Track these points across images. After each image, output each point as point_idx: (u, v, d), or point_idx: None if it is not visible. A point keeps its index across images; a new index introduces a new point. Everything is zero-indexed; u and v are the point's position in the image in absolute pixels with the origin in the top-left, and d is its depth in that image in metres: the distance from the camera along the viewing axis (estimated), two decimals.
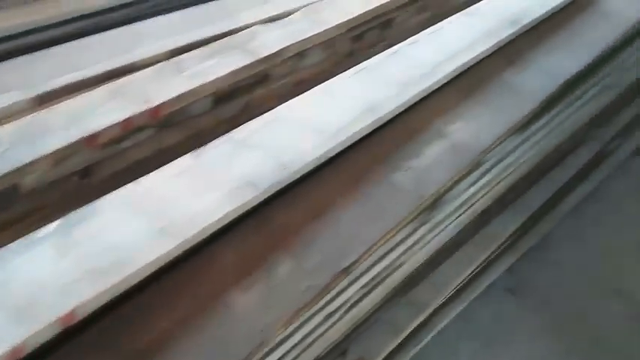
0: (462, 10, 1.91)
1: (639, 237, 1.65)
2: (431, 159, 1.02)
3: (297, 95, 1.45)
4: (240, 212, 0.81)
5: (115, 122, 1.06)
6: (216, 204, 0.81)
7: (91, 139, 1.03)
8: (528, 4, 1.53)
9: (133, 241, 0.73)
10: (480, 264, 1.26)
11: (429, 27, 1.77)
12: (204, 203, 0.81)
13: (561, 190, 1.53)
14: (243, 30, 1.43)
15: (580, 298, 1.48)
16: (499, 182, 1.23)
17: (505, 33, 1.41)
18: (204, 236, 0.77)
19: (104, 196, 0.84)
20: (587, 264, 1.56)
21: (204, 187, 0.85)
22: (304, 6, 1.57)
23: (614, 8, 1.64)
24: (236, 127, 1.29)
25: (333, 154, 0.98)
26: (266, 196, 0.86)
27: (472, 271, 1.24)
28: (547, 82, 1.30)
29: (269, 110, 1.38)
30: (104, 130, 1.03)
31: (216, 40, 1.38)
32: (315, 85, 1.50)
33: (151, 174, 0.90)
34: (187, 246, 0.74)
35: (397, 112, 1.11)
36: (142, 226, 0.75)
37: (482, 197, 1.18)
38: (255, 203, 0.83)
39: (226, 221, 0.80)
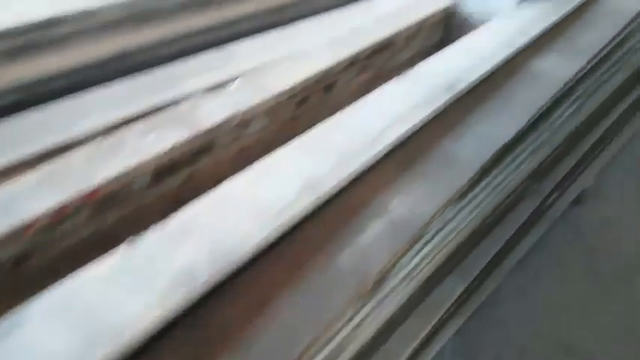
0: (402, 70, 1.98)
1: (578, 289, 1.70)
2: (372, 237, 1.02)
3: (241, 166, 1.45)
4: (177, 312, 0.79)
5: (49, 209, 1.02)
6: (151, 304, 0.79)
7: (23, 230, 0.99)
8: (462, 68, 1.59)
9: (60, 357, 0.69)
10: (428, 331, 1.26)
11: (370, 91, 1.82)
12: (137, 304, 0.78)
13: (504, 248, 1.57)
14: (185, 100, 1.42)
15: (529, 356, 1.51)
16: (441, 250, 1.25)
17: (442, 99, 1.45)
18: (138, 343, 0.74)
19: (30, 301, 0.80)
20: (533, 319, 1.59)
21: (139, 283, 0.82)
22: (245, 72, 1.59)
23: (544, 69, 1.72)
24: (178, 203, 1.28)
25: (274, 237, 0.97)
26: (204, 290, 0.84)
27: (421, 340, 1.24)
28: (484, 148, 1.34)
29: (211, 184, 1.37)
30: (37, 218, 1.00)
31: (157, 111, 1.37)
32: (259, 154, 1.51)
33: (83, 269, 0.87)
34: (119, 357, 0.71)
35: (339, 188, 1.12)
36: (70, 338, 0.72)
37: (425, 267, 1.20)
38: (193, 299, 0.81)
39: (162, 323, 0.77)
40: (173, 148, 1.25)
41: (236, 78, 1.55)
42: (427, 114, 1.38)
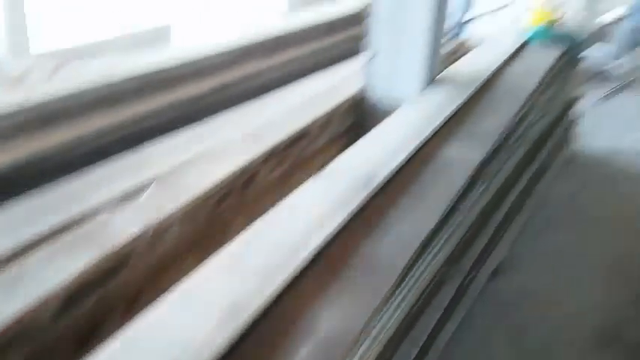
0: (317, 158, 2.01)
1: None
2: None
3: (159, 279, 1.39)
4: None
5: None
6: None
7: None
8: (377, 161, 1.62)
9: None
10: None
11: (288, 182, 1.83)
12: None
13: (429, 337, 1.58)
14: (95, 214, 1.35)
15: None
16: (369, 355, 1.23)
17: (360, 196, 1.46)
18: None
19: None
20: None
21: None
22: (160, 175, 1.54)
23: (454, 155, 1.79)
24: (90, 332, 1.19)
25: None
26: None
27: None
28: (406, 247, 1.35)
29: (127, 303, 1.29)
30: None
31: (65, 230, 1.29)
32: (178, 262, 1.45)
33: None
34: None
35: (264, 308, 1.08)
36: None
37: None
38: None
39: None
40: (83, 273, 1.17)
41: (150, 183, 1.50)
42: (346, 214, 1.39)
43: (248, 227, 1.32)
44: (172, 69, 2.08)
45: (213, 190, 1.54)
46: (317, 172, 1.59)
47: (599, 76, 4.39)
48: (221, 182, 1.57)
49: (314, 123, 1.97)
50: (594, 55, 4.36)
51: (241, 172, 1.65)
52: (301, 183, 1.55)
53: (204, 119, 1.85)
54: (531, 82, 2.40)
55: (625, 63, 4.66)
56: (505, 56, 2.61)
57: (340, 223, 1.35)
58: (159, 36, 2.88)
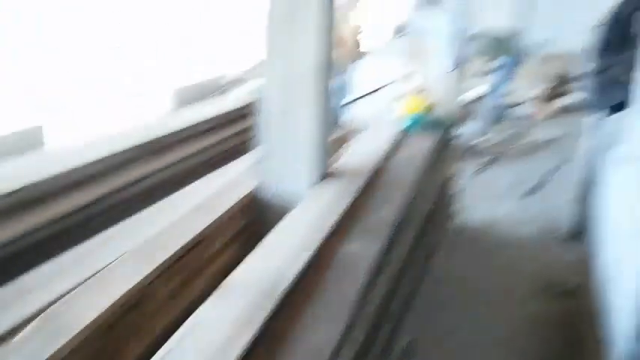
0: (214, 262, 1.93)
1: None
2: None
3: None
4: None
5: None
6: None
7: None
8: (277, 268, 1.58)
9: None
10: None
11: (184, 296, 1.73)
12: None
13: None
14: None
15: None
16: None
17: (266, 309, 1.41)
18: None
19: None
20: None
21: None
22: (39, 310, 1.39)
23: (353, 251, 1.80)
24: None
25: None
26: None
27: None
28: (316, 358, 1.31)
29: None
30: None
31: None
32: None
33: None
34: None
35: None
36: None
37: None
38: None
39: None
40: None
41: (28, 321, 1.34)
42: (253, 332, 1.32)
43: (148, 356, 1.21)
44: (48, 180, 1.94)
45: (103, 316, 1.41)
46: (214, 279, 1.52)
47: (469, 151, 4.75)
48: (111, 306, 1.44)
49: (208, 227, 1.91)
50: (463, 132, 4.74)
51: (133, 292, 1.53)
52: (199, 292, 1.46)
53: (88, 236, 1.71)
54: (414, 169, 2.53)
55: (491, 138, 5.11)
56: (387, 146, 2.73)
57: (247, 343, 1.28)
58: (30, 138, 2.69)
